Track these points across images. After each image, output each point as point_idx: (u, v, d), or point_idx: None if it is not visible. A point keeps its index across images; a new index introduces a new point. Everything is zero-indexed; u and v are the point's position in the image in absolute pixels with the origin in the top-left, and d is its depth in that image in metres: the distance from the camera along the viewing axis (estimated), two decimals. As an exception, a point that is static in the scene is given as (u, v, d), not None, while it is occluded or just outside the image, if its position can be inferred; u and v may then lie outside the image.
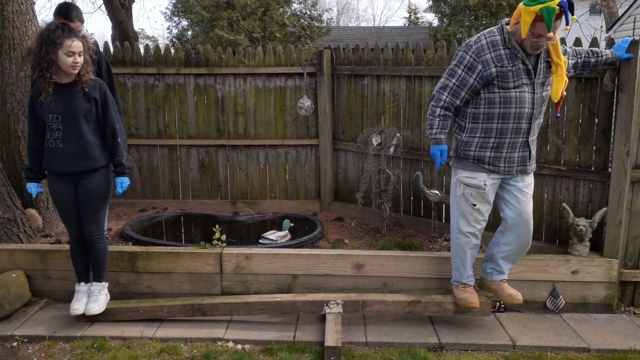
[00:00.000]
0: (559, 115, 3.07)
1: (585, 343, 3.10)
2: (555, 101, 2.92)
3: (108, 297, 3.34)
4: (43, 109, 3.03)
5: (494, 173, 3.02)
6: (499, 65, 2.85)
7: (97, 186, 3.15)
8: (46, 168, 3.15)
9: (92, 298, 3.26)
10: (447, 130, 3.08)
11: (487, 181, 3.02)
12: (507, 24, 2.90)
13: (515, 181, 3.06)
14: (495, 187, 3.07)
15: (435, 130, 3.07)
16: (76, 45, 2.96)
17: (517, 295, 3.15)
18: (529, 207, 3.07)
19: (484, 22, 14.34)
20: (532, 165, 3.08)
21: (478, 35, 2.96)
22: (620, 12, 14.42)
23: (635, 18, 11.65)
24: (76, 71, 3.00)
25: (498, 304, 3.47)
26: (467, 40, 2.98)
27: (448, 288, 3.46)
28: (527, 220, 3.07)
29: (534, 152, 3.05)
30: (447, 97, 2.98)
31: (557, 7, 2.63)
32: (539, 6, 2.64)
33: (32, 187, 3.23)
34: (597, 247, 3.57)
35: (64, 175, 3.12)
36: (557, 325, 3.30)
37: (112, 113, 3.16)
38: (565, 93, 2.97)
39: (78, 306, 3.21)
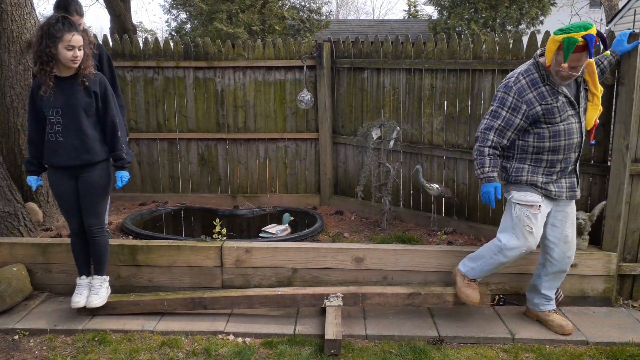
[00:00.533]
0: (593, 142, 3.15)
1: (584, 336, 3.12)
2: (588, 129, 2.98)
3: (109, 290, 3.35)
4: (43, 103, 3.02)
5: (546, 198, 3.03)
6: (543, 103, 2.89)
7: (97, 179, 3.16)
8: (46, 162, 3.15)
9: (94, 291, 3.27)
10: (497, 169, 3.03)
11: (541, 204, 3.01)
12: (541, 55, 2.92)
13: (563, 207, 3.08)
14: (547, 212, 3.07)
15: (487, 169, 3.00)
16: (76, 39, 2.95)
17: (568, 326, 3.14)
18: (572, 230, 3.11)
19: (483, 15, 14.28)
20: (579, 191, 3.11)
21: (516, 74, 2.96)
22: (621, 5, 14.36)
23: (635, 10, 11.61)
24: (76, 65, 3.00)
25: (497, 297, 3.49)
26: (506, 81, 2.99)
27: (448, 281, 3.48)
28: (568, 243, 3.10)
29: (579, 179, 3.12)
30: (493, 137, 2.98)
31: (580, 39, 2.67)
32: (563, 36, 2.70)
33: (32, 180, 3.24)
34: (596, 240, 3.58)
35: (64, 169, 3.12)
36: (556, 318, 3.32)
37: (113, 107, 3.16)
38: (598, 121, 3.02)
39: (79, 299, 3.22)
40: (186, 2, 14.29)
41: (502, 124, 2.95)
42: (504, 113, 2.94)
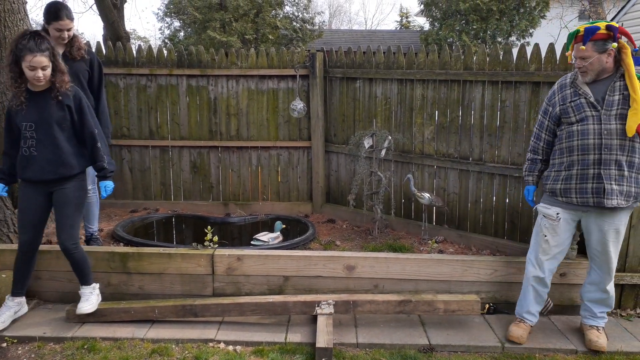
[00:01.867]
0: None
1: (573, 345, 3.15)
2: (630, 136, 2.82)
3: (100, 297, 3.33)
4: (18, 117, 3.02)
5: (568, 205, 3.04)
6: (562, 104, 3.01)
7: (72, 194, 3.13)
8: (20, 176, 3.11)
9: (84, 298, 3.24)
10: (535, 173, 3.25)
11: (560, 214, 3.06)
12: None
13: (598, 215, 2.99)
14: (572, 222, 3.08)
15: (525, 172, 3.32)
16: (37, 60, 2.91)
17: (597, 343, 3.08)
18: (610, 244, 3.01)
19: (474, 27, 14.47)
20: (615, 200, 2.90)
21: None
22: (609, 19, 14.62)
23: (623, 24, 11.82)
24: (41, 84, 3.00)
25: (488, 305, 3.51)
26: None
27: (438, 289, 3.50)
28: (606, 256, 3.05)
29: (615, 187, 2.90)
30: (532, 140, 3.24)
31: (581, 29, 2.84)
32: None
33: None
34: (584, 250, 3.61)
35: (37, 183, 3.09)
36: (545, 327, 3.35)
37: (89, 119, 3.15)
38: None
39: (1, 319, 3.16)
40: (180, 11, 14.34)
41: (537, 127, 3.20)
42: (539, 117, 3.19)
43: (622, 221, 3.01)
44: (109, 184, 3.26)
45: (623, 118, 2.84)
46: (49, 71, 2.99)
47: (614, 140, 2.87)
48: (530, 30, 15.02)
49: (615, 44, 2.78)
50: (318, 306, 3.28)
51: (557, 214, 3.07)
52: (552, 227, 3.09)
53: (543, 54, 3.82)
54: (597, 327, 3.18)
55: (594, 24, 2.81)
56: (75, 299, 3.57)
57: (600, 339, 3.10)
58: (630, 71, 2.79)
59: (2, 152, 3.27)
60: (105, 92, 4.02)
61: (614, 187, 2.90)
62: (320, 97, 5.09)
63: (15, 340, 3.14)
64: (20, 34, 2.99)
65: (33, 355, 3.02)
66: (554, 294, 3.48)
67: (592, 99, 2.90)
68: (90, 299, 3.24)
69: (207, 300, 3.37)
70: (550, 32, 15.67)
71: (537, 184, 3.29)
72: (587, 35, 2.80)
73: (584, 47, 2.82)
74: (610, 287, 3.15)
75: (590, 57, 2.82)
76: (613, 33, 2.78)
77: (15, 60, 2.93)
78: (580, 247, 3.61)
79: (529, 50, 3.89)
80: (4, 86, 4.24)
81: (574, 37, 2.89)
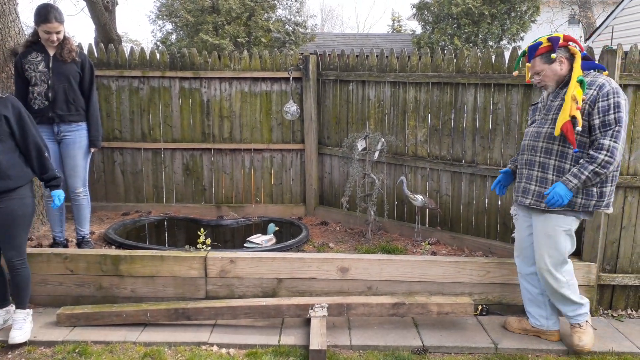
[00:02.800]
0: (576, 150, 2.83)
1: (565, 345, 3.16)
2: (556, 135, 2.83)
3: (32, 324, 3.20)
4: None
5: (516, 203, 3.18)
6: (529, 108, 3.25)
7: (15, 208, 3.00)
8: None
9: (17, 326, 3.10)
10: (513, 163, 3.36)
11: (516, 211, 3.23)
12: None
13: (538, 217, 3.02)
14: (527, 219, 3.13)
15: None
16: None
17: (578, 346, 3.06)
18: (540, 247, 3.00)
19: (466, 31, 14.57)
20: (528, 200, 3.00)
21: None
22: (598, 23, 14.78)
23: (613, 28, 11.96)
24: None
25: (480, 307, 3.52)
26: None
27: (431, 291, 3.51)
28: (539, 260, 3.03)
29: (533, 187, 2.98)
30: None
31: (525, 49, 2.99)
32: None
33: None
34: (576, 251, 3.64)
35: None
36: (538, 328, 3.36)
37: (31, 128, 3.04)
38: (575, 128, 2.76)
39: None
40: (172, 13, 14.31)
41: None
42: None
43: (553, 227, 2.95)
44: (62, 193, 3.23)
45: (556, 122, 2.88)
46: None
47: (540, 142, 2.97)
48: (521, 34, 15.16)
49: (554, 55, 2.85)
50: (312, 309, 3.28)
51: (514, 209, 3.26)
52: (515, 224, 3.27)
53: (534, 57, 3.85)
54: (577, 324, 3.09)
55: (537, 40, 2.95)
56: (66, 302, 3.54)
57: (581, 341, 3.04)
58: (573, 75, 2.83)
59: None
60: (97, 94, 3.99)
61: (532, 187, 3.01)
62: (314, 100, 5.10)
63: (5, 345, 3.11)
64: None
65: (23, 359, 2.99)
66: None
67: (541, 104, 3.07)
68: (24, 327, 3.11)
69: (200, 304, 3.35)
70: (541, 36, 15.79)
71: (511, 172, 3.32)
72: (532, 52, 2.93)
73: (529, 64, 2.98)
74: (551, 291, 3.05)
75: (542, 71, 2.93)
76: (552, 44, 2.86)
77: None
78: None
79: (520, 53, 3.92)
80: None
81: (522, 58, 3.04)
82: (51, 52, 3.78)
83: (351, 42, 18.44)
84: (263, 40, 13.52)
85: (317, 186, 5.27)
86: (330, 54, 5.06)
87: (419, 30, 17.02)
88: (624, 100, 2.77)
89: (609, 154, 2.73)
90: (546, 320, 3.20)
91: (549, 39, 2.89)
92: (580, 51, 2.88)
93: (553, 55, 2.85)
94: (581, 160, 2.82)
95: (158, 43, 15.29)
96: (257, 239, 4.34)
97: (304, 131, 5.19)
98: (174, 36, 15.09)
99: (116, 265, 3.54)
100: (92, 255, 3.57)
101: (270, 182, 5.33)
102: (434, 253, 4.16)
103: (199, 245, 3.64)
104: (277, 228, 4.54)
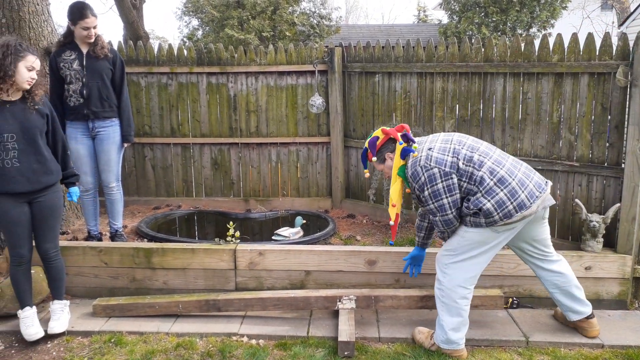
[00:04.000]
0: (392, 242, 3.34)
1: (599, 339, 3.10)
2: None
3: (69, 315, 3.31)
4: None
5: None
6: None
7: (55, 202, 3.16)
8: (2, 190, 2.98)
9: (55, 316, 3.20)
10: None
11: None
12: None
13: None
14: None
15: None
16: (38, 63, 3.00)
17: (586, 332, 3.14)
18: None
19: (494, 19, 14.25)
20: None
21: None
22: (633, 7, 14.26)
23: (627, 30, 11.53)
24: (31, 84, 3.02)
25: (511, 299, 3.48)
26: None
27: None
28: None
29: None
30: None
31: (366, 144, 3.06)
32: None
33: None
34: (610, 243, 3.56)
35: (19, 195, 3.02)
36: (571, 321, 3.30)
37: (59, 126, 3.23)
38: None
39: (34, 330, 3.10)
40: (198, 9, 14.44)
41: None
42: None
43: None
44: (78, 190, 3.41)
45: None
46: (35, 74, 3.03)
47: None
48: (552, 21, 14.73)
49: (375, 159, 3.01)
50: (340, 301, 3.29)
51: None
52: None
53: (566, 45, 3.75)
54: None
55: (372, 135, 3.02)
56: (101, 293, 3.65)
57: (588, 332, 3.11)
58: (393, 172, 2.97)
59: None
60: (127, 90, 4.08)
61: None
62: (339, 92, 5.09)
63: (45, 335, 3.23)
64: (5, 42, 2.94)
65: (62, 349, 3.10)
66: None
67: None
68: (61, 318, 3.21)
69: (230, 295, 3.41)
70: (572, 23, 15.37)
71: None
72: (372, 150, 3.02)
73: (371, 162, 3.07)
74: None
75: (382, 170, 3.09)
76: (370, 149, 3.01)
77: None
78: (606, 239, 3.55)
79: (551, 41, 3.83)
80: None
81: (366, 156, 3.09)
82: (84, 50, 3.87)
83: (376, 33, 18.27)
84: (288, 34, 13.52)
85: (343, 179, 5.27)
86: (356, 45, 5.04)
87: (445, 20, 16.74)
88: (436, 169, 2.79)
89: (439, 214, 2.85)
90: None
91: (368, 142, 3.02)
92: (398, 141, 2.94)
93: (374, 159, 3.02)
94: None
95: (185, 39, 15.46)
96: (285, 231, 4.38)
97: (329, 124, 5.19)
98: (200, 32, 15.23)
99: (149, 258, 3.63)
100: (125, 248, 3.67)
101: (297, 176, 5.35)
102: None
103: (229, 238, 3.70)
104: (304, 221, 4.57)
